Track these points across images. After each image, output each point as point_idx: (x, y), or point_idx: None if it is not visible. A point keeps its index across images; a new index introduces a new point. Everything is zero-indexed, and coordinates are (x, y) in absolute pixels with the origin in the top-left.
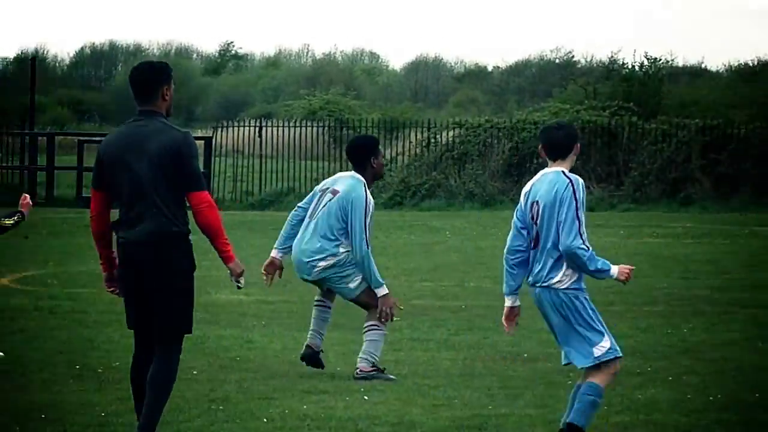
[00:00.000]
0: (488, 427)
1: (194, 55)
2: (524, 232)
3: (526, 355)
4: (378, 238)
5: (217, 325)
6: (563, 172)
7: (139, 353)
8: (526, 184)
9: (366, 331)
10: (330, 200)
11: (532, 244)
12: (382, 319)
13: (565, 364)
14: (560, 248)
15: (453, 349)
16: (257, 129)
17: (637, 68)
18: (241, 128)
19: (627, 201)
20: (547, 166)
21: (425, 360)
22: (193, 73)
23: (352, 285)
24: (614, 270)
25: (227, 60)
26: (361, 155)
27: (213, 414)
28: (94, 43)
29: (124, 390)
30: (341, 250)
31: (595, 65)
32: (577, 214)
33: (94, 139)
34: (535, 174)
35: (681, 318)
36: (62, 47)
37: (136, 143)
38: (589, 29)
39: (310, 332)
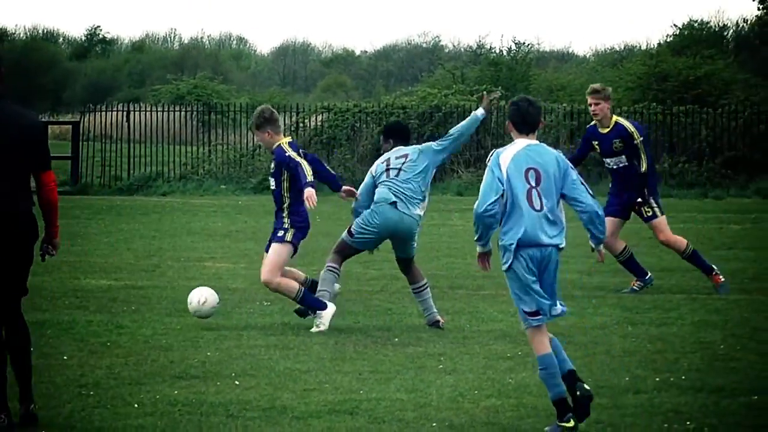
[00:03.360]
0: (360, 412)
1: (60, 39)
2: (500, 195)
3: (396, 339)
4: (247, 223)
5: (86, 310)
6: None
7: None
8: None
9: (420, 291)
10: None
11: (537, 207)
12: None
13: (555, 316)
14: (585, 208)
15: (323, 334)
16: (125, 114)
17: (504, 53)
18: (109, 113)
19: None
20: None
21: (296, 344)
22: (60, 58)
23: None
24: None
25: (94, 44)
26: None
27: (83, 399)
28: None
29: None
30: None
31: (462, 50)
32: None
33: None
34: None
35: None
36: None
37: None
38: (456, 13)
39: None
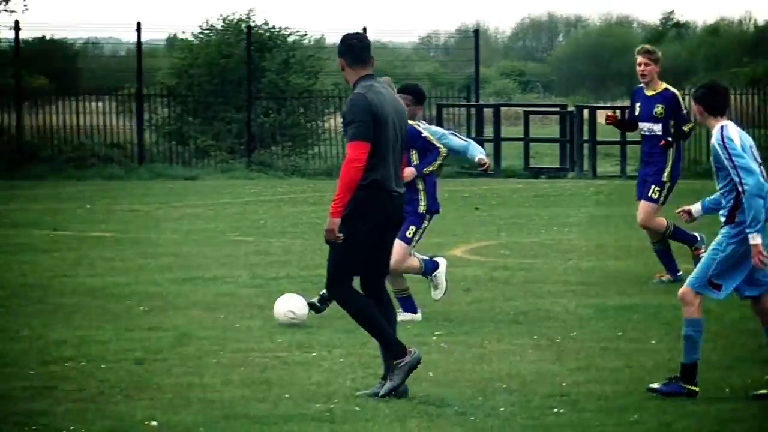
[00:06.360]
0: None
1: (635, 24)
2: None
3: None
4: None
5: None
6: None
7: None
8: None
9: None
10: None
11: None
12: None
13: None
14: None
15: None
16: None
17: None
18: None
19: None
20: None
21: None
22: (635, 43)
23: None
24: None
25: (668, 28)
26: None
27: None
28: (531, 15)
29: (582, 359)
30: None
31: None
32: None
33: (538, 109)
34: None
35: None
36: (502, 20)
37: (394, 107)
38: None
39: None
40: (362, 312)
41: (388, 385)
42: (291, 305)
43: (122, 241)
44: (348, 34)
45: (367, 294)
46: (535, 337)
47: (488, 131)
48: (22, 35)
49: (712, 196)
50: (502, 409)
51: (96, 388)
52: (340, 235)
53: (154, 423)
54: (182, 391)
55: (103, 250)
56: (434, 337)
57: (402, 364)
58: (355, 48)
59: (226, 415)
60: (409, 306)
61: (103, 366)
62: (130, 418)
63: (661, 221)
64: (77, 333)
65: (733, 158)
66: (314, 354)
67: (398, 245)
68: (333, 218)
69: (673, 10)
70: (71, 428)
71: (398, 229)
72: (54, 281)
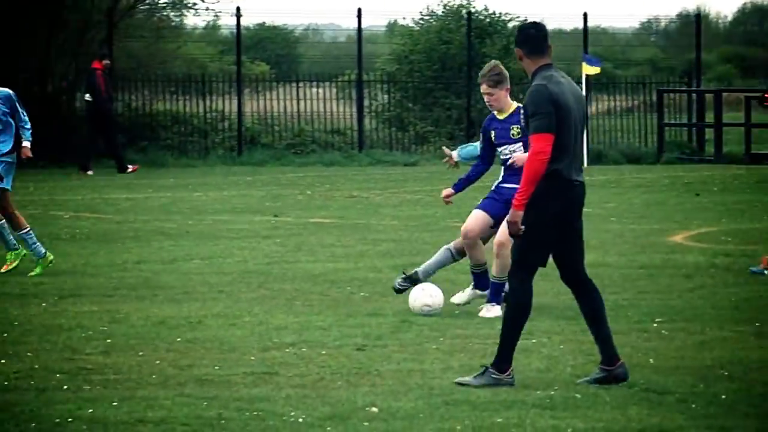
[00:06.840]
0: None
1: None
2: None
3: None
4: None
5: None
6: None
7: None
8: None
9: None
10: None
11: None
12: None
13: None
14: None
15: None
16: None
17: None
18: None
19: None
20: None
21: None
22: None
23: None
24: None
25: None
26: None
27: None
28: (753, 0)
29: None
30: None
31: None
32: None
33: (755, 95)
34: None
35: None
36: (723, 5)
37: (574, 95)
38: None
39: None
40: (519, 311)
41: (470, 378)
42: (424, 298)
43: (342, 227)
44: (525, 23)
45: (568, 284)
46: (757, 324)
47: (709, 117)
48: (243, 21)
49: None
50: (723, 396)
51: (317, 374)
52: (523, 227)
53: (375, 409)
54: (402, 378)
55: (323, 236)
56: (655, 324)
57: (495, 375)
58: (532, 38)
59: (446, 402)
60: (482, 284)
61: (323, 352)
62: (351, 404)
63: None
64: (298, 319)
65: None
66: (534, 341)
67: (483, 216)
68: (516, 210)
69: None
70: (292, 414)
71: (581, 219)
72: (274, 267)
